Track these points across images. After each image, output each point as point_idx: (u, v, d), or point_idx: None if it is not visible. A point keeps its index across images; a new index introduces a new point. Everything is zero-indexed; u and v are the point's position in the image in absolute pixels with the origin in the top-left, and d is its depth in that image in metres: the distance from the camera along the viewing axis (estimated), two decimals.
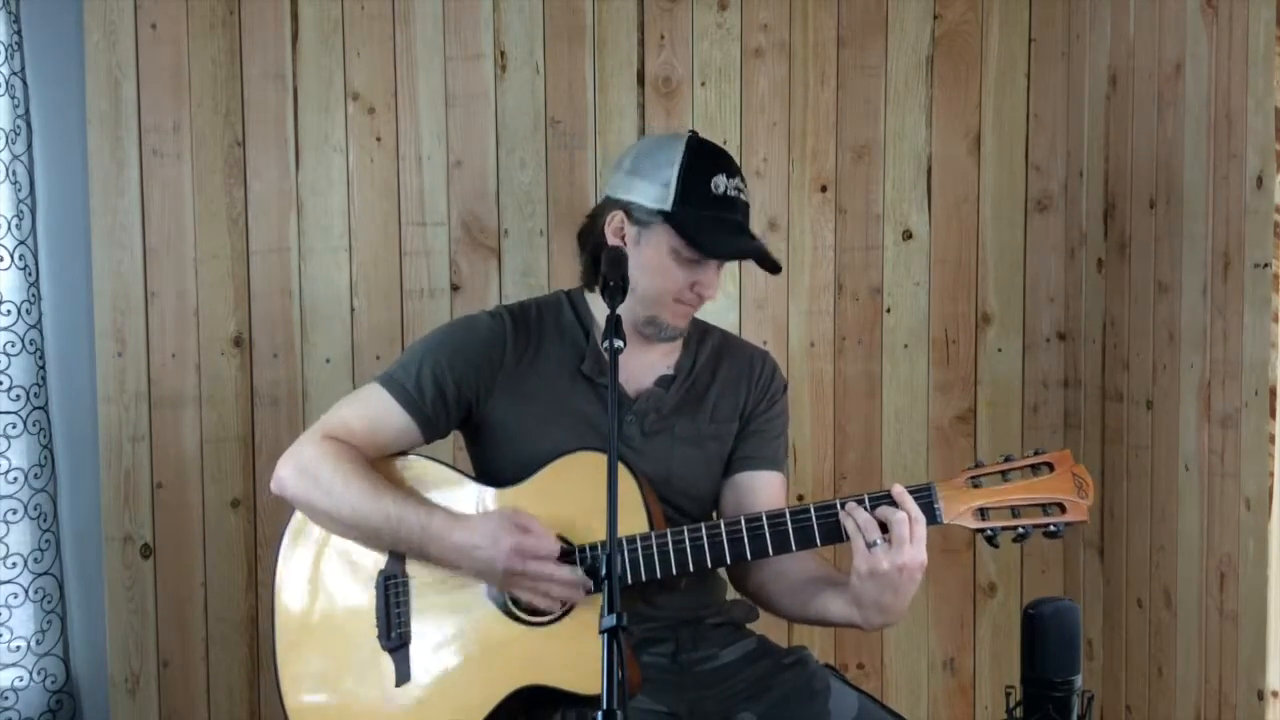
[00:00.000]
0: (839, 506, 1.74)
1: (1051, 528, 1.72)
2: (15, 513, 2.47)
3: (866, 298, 2.70)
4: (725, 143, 2.59)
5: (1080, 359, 2.65)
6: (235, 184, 2.62)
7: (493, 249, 2.66)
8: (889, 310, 2.70)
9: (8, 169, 2.46)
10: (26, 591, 2.49)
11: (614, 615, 1.40)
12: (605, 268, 1.76)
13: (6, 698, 2.49)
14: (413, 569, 1.86)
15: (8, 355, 2.46)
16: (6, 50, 2.45)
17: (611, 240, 1.93)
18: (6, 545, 2.46)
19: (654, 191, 1.89)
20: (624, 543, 1.78)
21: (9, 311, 2.46)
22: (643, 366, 1.97)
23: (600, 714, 1.37)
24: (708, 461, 1.99)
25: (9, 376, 2.46)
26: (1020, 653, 1.74)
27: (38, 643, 2.51)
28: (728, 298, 2.66)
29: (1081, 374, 2.65)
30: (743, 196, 1.93)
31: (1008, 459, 1.76)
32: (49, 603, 2.52)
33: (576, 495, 1.81)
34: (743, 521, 1.78)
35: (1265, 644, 1.95)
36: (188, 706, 2.65)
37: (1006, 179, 2.70)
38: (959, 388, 2.71)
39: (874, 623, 1.75)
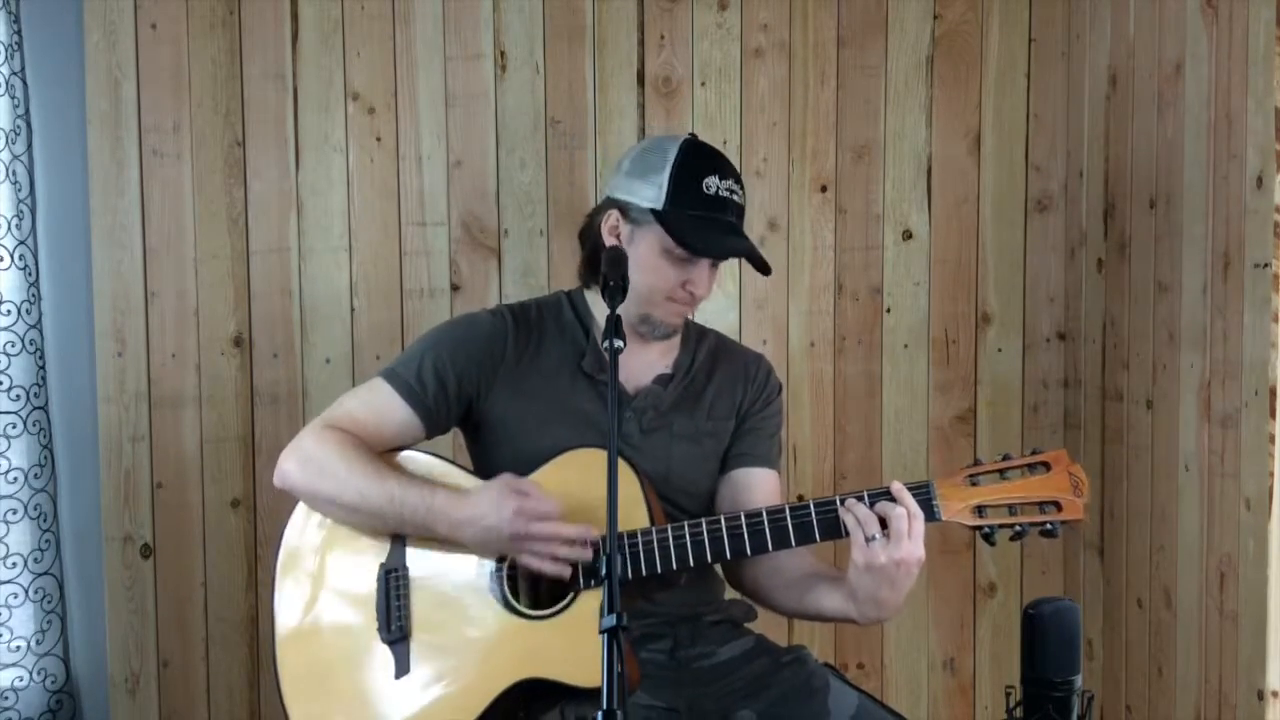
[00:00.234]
0: (839, 502, 1.75)
1: (1048, 526, 1.74)
2: (15, 513, 2.47)
3: (866, 298, 2.70)
4: (725, 143, 2.60)
5: (1080, 359, 2.65)
6: (235, 184, 2.62)
7: (493, 249, 2.66)
8: (889, 310, 2.70)
9: (8, 169, 2.46)
10: (26, 591, 2.49)
11: (614, 615, 1.41)
12: (605, 268, 1.77)
13: (6, 698, 2.49)
14: (414, 562, 1.87)
15: (8, 355, 2.46)
16: (6, 50, 2.46)
17: (607, 239, 1.96)
18: (6, 545, 2.46)
19: (647, 191, 1.92)
20: (625, 537, 1.79)
21: (9, 311, 2.46)
22: (641, 365, 1.99)
23: (600, 714, 1.37)
24: (705, 458, 2.01)
25: (9, 376, 2.46)
26: (1020, 653, 1.74)
27: (38, 643, 2.51)
28: (728, 297, 2.66)
29: (1081, 374, 2.65)
30: (735, 198, 1.94)
31: (1005, 458, 1.78)
32: (49, 603, 2.52)
33: (578, 491, 1.81)
34: (743, 517, 1.80)
35: (1265, 644, 1.95)
36: (188, 706, 2.65)
37: (1006, 179, 2.70)
38: (959, 388, 2.71)
39: (869, 617, 1.77)
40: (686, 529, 1.80)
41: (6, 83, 2.45)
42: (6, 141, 2.46)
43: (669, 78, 2.65)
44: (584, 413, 1.94)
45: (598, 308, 2.01)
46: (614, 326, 1.63)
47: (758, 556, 1.85)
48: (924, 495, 1.74)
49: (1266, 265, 1.94)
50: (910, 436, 2.71)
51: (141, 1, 2.59)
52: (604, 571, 1.46)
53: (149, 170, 2.60)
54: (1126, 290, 2.43)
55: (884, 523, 1.71)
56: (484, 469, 1.97)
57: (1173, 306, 2.24)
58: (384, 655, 1.85)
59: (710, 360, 2.06)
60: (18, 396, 2.47)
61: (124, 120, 2.59)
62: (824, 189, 2.68)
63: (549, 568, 1.78)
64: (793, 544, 1.79)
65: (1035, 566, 2.74)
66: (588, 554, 1.77)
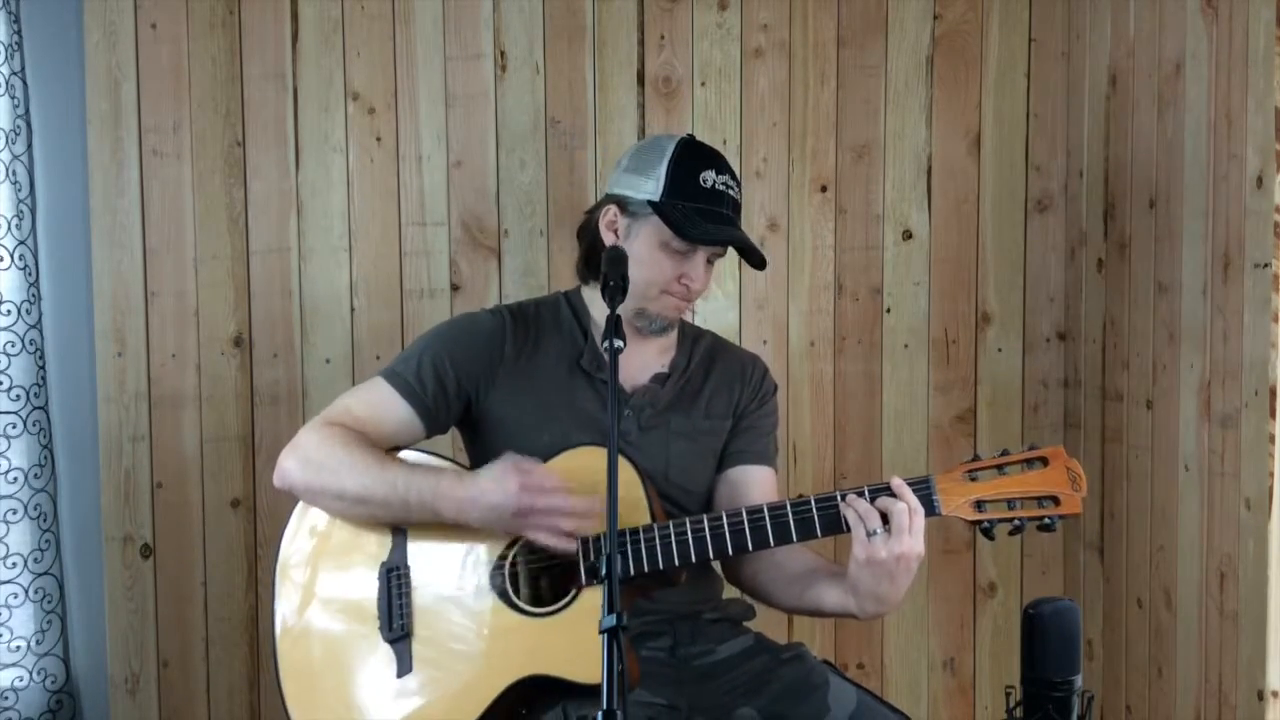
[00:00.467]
0: (839, 498, 1.76)
1: (1046, 520, 1.76)
2: (15, 513, 2.47)
3: (866, 298, 2.70)
4: (725, 143, 2.61)
5: (1080, 359, 2.65)
6: (235, 184, 2.62)
7: (493, 249, 2.66)
8: (889, 310, 2.70)
9: (8, 169, 2.46)
10: (26, 591, 2.49)
11: (614, 615, 1.41)
12: (606, 267, 1.78)
13: (6, 698, 2.49)
14: (415, 561, 1.87)
15: (8, 355, 2.46)
16: (6, 50, 2.46)
17: (605, 233, 1.97)
18: (6, 545, 2.46)
19: (645, 185, 1.94)
20: (626, 534, 1.79)
21: (9, 311, 2.46)
22: (638, 364, 2.00)
23: (600, 714, 1.38)
24: (702, 456, 2.02)
25: (9, 376, 2.46)
26: (1020, 653, 1.74)
27: (38, 643, 2.51)
28: (728, 297, 2.66)
29: (1081, 374, 2.65)
30: (731, 193, 1.96)
31: (1004, 453, 1.79)
32: (49, 603, 2.52)
33: (579, 489, 1.81)
34: (744, 513, 1.81)
35: (1265, 644, 1.95)
36: (188, 706, 2.65)
37: (1006, 179, 2.70)
38: (959, 388, 2.71)
39: (868, 611, 1.78)
40: (688, 525, 1.80)
41: (6, 83, 2.45)
42: (6, 141, 2.46)
43: (669, 78, 2.65)
44: (583, 411, 1.94)
45: (595, 305, 2.02)
46: (614, 326, 1.64)
47: (758, 553, 1.86)
48: (924, 490, 1.75)
49: (1266, 265, 1.94)
50: (910, 436, 2.71)
51: (141, 1, 2.59)
52: (604, 570, 1.46)
53: (149, 170, 2.60)
54: (1126, 290, 2.43)
55: (885, 518, 1.72)
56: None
57: (1173, 306, 2.24)
58: (386, 654, 1.85)
59: (707, 360, 2.07)
60: (18, 396, 2.47)
61: (124, 120, 2.59)
62: (824, 189, 2.68)
63: (556, 542, 1.78)
64: (794, 539, 1.79)
65: (1035, 566, 2.74)
66: (592, 526, 1.77)
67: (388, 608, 1.85)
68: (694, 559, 1.80)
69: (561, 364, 1.98)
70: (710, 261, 1.97)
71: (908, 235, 2.69)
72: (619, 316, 1.67)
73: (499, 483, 1.77)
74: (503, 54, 2.64)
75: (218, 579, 2.65)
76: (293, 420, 2.59)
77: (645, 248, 1.93)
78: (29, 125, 2.52)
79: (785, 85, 2.66)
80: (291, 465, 1.88)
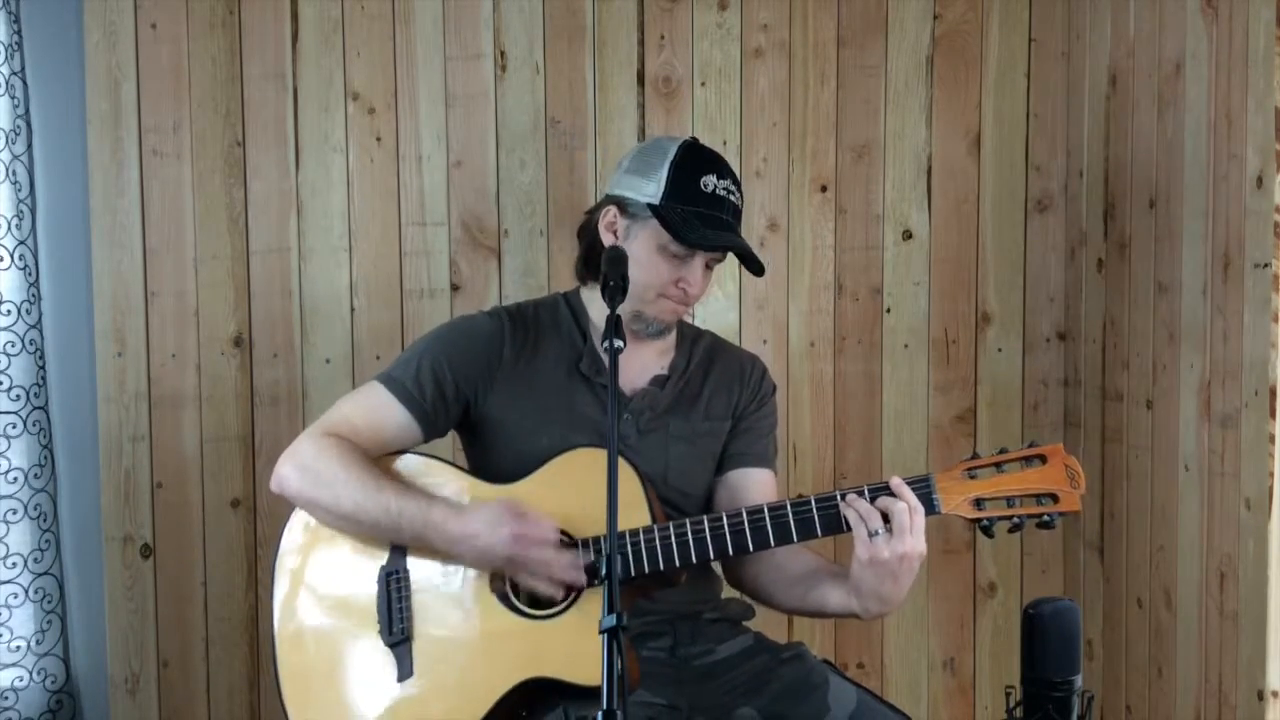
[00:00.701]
0: (839, 498, 1.76)
1: (1045, 518, 1.76)
2: (15, 513, 2.47)
3: (866, 298, 2.70)
4: (725, 143, 2.61)
5: (1080, 359, 2.65)
6: (235, 184, 2.62)
7: (493, 249, 2.66)
8: (889, 310, 2.70)
9: (8, 169, 2.46)
10: (26, 591, 2.49)
11: (614, 615, 1.41)
12: (606, 267, 1.77)
13: (6, 698, 2.49)
14: (414, 564, 1.87)
15: (8, 355, 2.46)
16: (6, 50, 2.45)
17: (604, 233, 1.96)
18: (6, 545, 2.46)
19: (646, 187, 1.93)
20: (626, 535, 1.79)
21: (9, 311, 2.46)
22: (637, 367, 2.00)
23: (601, 714, 1.38)
24: (701, 458, 2.01)
25: (9, 376, 2.46)
26: (1020, 653, 1.74)
27: (38, 643, 2.51)
28: (728, 298, 2.66)
29: (1081, 374, 2.65)
30: (732, 198, 1.95)
31: (1002, 451, 1.80)
32: (49, 603, 2.52)
33: (578, 491, 1.81)
34: (744, 513, 1.81)
35: (1265, 644, 1.95)
36: (188, 706, 2.65)
37: (1006, 179, 2.70)
38: (959, 388, 2.71)
39: (872, 611, 1.79)
40: (688, 526, 1.80)
41: (6, 83, 2.45)
42: (6, 141, 2.46)
43: (669, 78, 2.65)
44: (582, 414, 1.94)
45: (594, 307, 2.01)
46: (613, 327, 1.63)
47: (759, 555, 1.86)
48: (923, 489, 1.76)
49: (1266, 265, 1.94)
50: (910, 436, 2.71)
51: (141, 1, 2.58)
52: (604, 571, 1.46)
53: (149, 170, 2.60)
54: (1126, 290, 2.43)
55: (885, 517, 1.72)
56: (482, 470, 1.96)
57: (1173, 306, 2.24)
58: (386, 658, 1.85)
59: (706, 360, 2.07)
60: (18, 396, 2.47)
61: (124, 120, 2.59)
62: (824, 189, 2.68)
63: (543, 588, 1.79)
64: (794, 539, 1.80)
65: (1035, 566, 2.74)
66: (582, 579, 1.77)
67: (387, 611, 1.85)
68: (694, 560, 1.80)
69: (560, 367, 1.98)
70: (709, 267, 1.96)
71: (908, 235, 2.69)
72: (619, 317, 1.66)
73: (493, 528, 1.77)
74: (503, 54, 2.64)
75: (218, 579, 2.65)
76: (292, 420, 2.60)
77: (643, 250, 1.92)
78: (29, 125, 2.51)
79: (785, 85, 2.66)
80: (288, 472, 1.88)
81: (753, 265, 1.97)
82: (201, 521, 2.64)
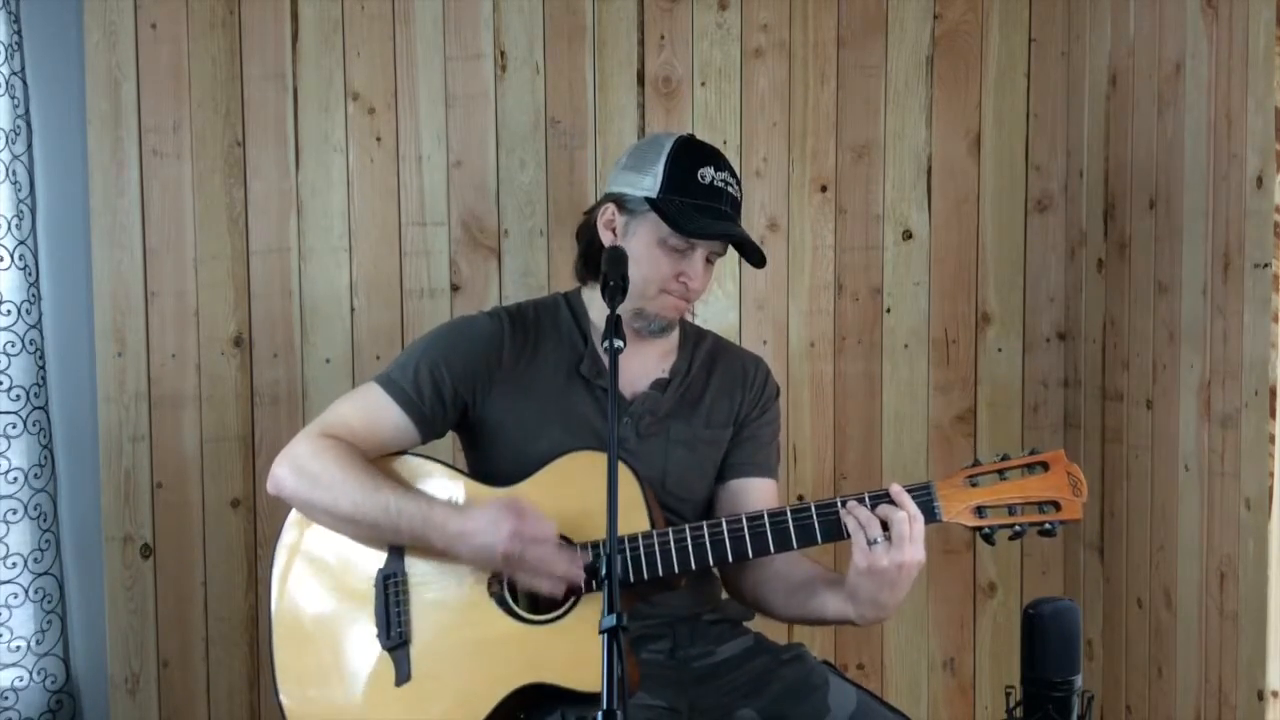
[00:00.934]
0: (839, 505, 1.76)
1: (1047, 525, 1.75)
2: (15, 513, 2.47)
3: (866, 298, 2.70)
4: (725, 143, 2.61)
5: (1080, 359, 2.65)
6: (235, 184, 2.62)
7: (493, 249, 2.66)
8: (889, 310, 2.70)
9: (8, 169, 2.46)
10: (26, 591, 2.49)
11: (614, 615, 1.40)
12: (606, 267, 1.77)
13: (6, 698, 2.49)
14: (412, 567, 1.86)
15: (8, 355, 2.46)
16: (6, 50, 2.45)
17: (603, 232, 1.96)
18: (6, 545, 2.46)
19: (644, 182, 1.92)
20: (625, 541, 1.78)
21: (9, 311, 2.46)
22: (639, 369, 1.98)
23: (600, 714, 1.37)
24: (701, 465, 2.00)
25: (9, 376, 2.46)
26: (1020, 653, 1.74)
27: (38, 643, 2.51)
28: (728, 297, 2.66)
29: (1081, 374, 2.65)
30: (730, 189, 1.94)
31: (1004, 458, 1.79)
32: (49, 603, 2.52)
33: (577, 494, 1.81)
34: (744, 519, 1.80)
35: (1265, 644, 1.95)
36: (188, 706, 2.65)
37: (1006, 179, 2.70)
38: (959, 388, 2.71)
39: (867, 618, 1.79)
40: (688, 532, 1.79)
41: (6, 83, 2.45)
42: (6, 141, 2.46)
43: (669, 78, 2.65)
44: (581, 417, 1.93)
45: (594, 307, 2.00)
46: (614, 327, 1.63)
47: (759, 563, 1.86)
48: (924, 497, 1.74)
49: (1266, 265, 1.94)
50: (910, 437, 2.71)
51: (141, 1, 2.58)
52: (604, 573, 1.46)
53: (149, 170, 2.60)
54: (1126, 290, 2.43)
55: (885, 525, 1.71)
56: (481, 472, 1.96)
57: (1173, 306, 2.24)
58: (384, 662, 1.84)
59: (708, 363, 2.05)
60: (18, 396, 2.47)
61: (124, 120, 2.59)
62: (824, 189, 2.68)
63: (543, 587, 1.78)
64: (794, 546, 1.79)
65: (1035, 566, 2.74)
66: (581, 576, 1.76)
67: (385, 615, 1.84)
68: (694, 565, 1.79)
69: (560, 370, 1.96)
70: (710, 261, 1.95)
71: (908, 235, 2.69)
72: (619, 317, 1.66)
73: (493, 524, 1.76)
74: (503, 54, 2.63)
75: (218, 579, 2.65)
76: (292, 420, 2.59)
77: (643, 245, 1.91)
78: (29, 125, 2.51)
79: (785, 85, 2.66)
80: (285, 474, 1.87)
81: (753, 256, 1.96)
82: (201, 521, 2.64)
